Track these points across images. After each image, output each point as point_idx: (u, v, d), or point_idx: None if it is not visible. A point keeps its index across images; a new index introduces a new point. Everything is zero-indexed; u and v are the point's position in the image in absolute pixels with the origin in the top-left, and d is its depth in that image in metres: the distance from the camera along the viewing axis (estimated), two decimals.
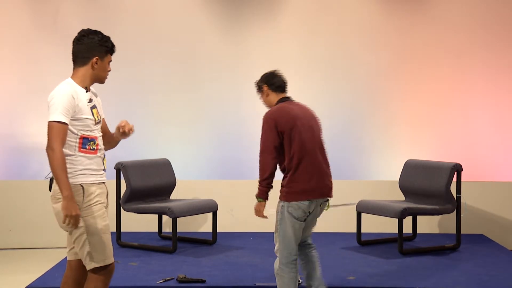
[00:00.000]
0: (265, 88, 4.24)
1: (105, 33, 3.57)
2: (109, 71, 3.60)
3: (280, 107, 4.14)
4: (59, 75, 6.78)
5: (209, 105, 7.17)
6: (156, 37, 7.03)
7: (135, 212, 6.00)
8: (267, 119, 4.08)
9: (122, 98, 6.97)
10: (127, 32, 6.95)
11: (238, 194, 6.77)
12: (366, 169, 7.13)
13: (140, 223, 6.68)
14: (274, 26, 7.11)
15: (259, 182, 4.05)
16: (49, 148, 3.30)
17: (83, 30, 3.56)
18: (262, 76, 4.31)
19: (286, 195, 4.02)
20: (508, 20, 7.07)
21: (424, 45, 7.12)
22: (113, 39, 3.61)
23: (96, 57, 3.50)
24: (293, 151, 4.00)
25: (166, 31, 7.04)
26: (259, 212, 4.11)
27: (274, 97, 4.25)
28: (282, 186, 4.08)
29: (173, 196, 6.49)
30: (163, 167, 6.39)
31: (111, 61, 3.60)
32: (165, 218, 6.72)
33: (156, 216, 6.50)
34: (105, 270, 3.46)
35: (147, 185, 6.13)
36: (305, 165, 4.01)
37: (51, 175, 3.40)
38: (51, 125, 3.33)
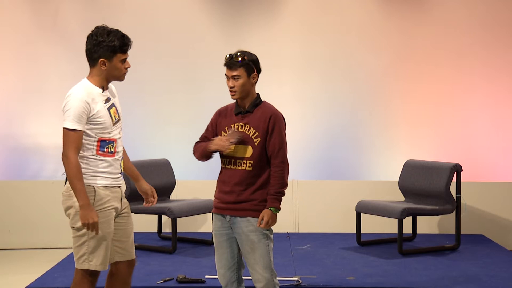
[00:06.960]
0: (255, 73, 3.52)
1: None
2: (127, 67, 3.41)
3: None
4: (58, 75, 6.92)
5: (209, 105, 7.13)
6: (156, 37, 7.02)
7: (134, 212, 5.96)
8: (282, 119, 3.54)
9: (122, 98, 6.90)
10: (126, 32, 6.86)
11: None
12: (366, 169, 7.13)
13: (139, 223, 6.65)
14: (274, 26, 7.10)
15: (283, 191, 3.53)
16: (64, 156, 3.27)
17: (95, 28, 3.36)
18: (251, 55, 3.50)
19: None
20: (508, 21, 7.06)
21: (424, 45, 7.11)
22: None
23: (102, 59, 3.34)
24: None
25: (166, 30, 7.03)
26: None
27: (254, 88, 3.55)
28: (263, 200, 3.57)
29: (172, 196, 6.49)
30: (163, 167, 6.39)
31: (125, 58, 3.38)
32: (164, 218, 6.71)
33: (155, 217, 6.50)
34: (95, 275, 3.44)
35: None
36: None
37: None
38: (65, 132, 3.27)
